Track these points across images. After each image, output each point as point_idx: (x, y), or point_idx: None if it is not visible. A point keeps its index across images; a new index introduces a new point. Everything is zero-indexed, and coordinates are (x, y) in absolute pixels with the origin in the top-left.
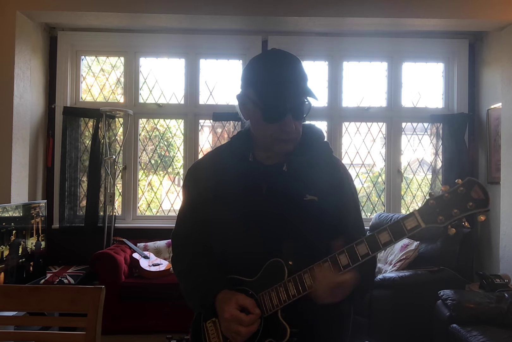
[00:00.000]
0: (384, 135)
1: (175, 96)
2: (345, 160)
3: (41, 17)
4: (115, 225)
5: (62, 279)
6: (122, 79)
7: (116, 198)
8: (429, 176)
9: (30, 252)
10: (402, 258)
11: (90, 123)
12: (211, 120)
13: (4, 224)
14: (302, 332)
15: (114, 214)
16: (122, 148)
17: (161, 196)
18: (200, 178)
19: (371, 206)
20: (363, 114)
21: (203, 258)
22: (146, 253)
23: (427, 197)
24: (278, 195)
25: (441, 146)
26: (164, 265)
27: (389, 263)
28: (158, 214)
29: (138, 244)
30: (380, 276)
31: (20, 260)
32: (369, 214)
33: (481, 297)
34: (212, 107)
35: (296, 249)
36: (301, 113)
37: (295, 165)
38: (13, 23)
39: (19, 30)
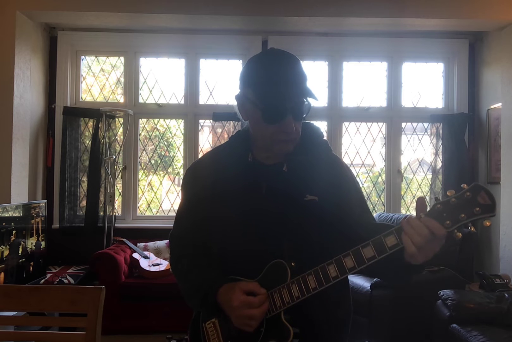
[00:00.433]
0: (384, 135)
1: (175, 96)
2: (345, 160)
3: (41, 17)
4: (115, 225)
5: (62, 279)
6: (122, 79)
7: (116, 198)
8: (429, 176)
9: (30, 252)
10: None
11: (90, 123)
12: (211, 120)
13: (4, 224)
14: (303, 332)
15: (114, 214)
16: (122, 148)
17: (161, 196)
18: (198, 177)
19: (371, 206)
20: (363, 114)
21: (202, 258)
22: (146, 253)
23: (434, 201)
24: (278, 195)
25: (441, 146)
26: (164, 265)
27: None
28: (158, 214)
29: (138, 244)
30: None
31: (20, 260)
32: None
33: (481, 297)
34: (212, 107)
35: (297, 249)
36: (301, 113)
37: (295, 165)
38: (13, 23)
39: (19, 30)
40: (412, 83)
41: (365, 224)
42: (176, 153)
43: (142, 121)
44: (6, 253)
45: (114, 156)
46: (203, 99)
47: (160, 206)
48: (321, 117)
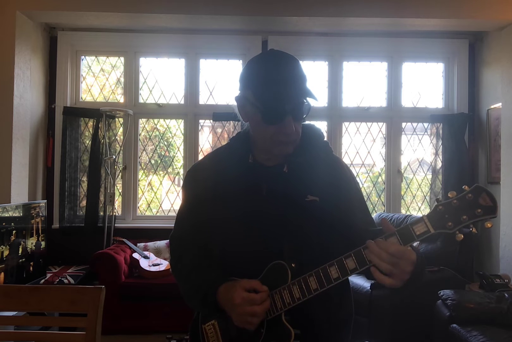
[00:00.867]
0: (384, 135)
1: (175, 96)
2: (345, 160)
3: (41, 17)
4: (115, 225)
5: (62, 279)
6: (122, 79)
7: (116, 198)
8: (429, 176)
9: (30, 252)
10: None
11: (90, 123)
12: (211, 120)
13: (4, 224)
14: (304, 333)
15: (114, 214)
16: (122, 148)
17: (161, 196)
18: (198, 179)
19: (371, 206)
20: (363, 114)
21: (202, 259)
22: (146, 253)
23: (435, 203)
24: (279, 196)
25: (441, 146)
26: (164, 265)
27: None
28: (158, 214)
29: (138, 244)
30: None
31: (20, 260)
32: None
33: (481, 297)
34: (212, 107)
35: (298, 250)
36: (301, 114)
37: (295, 166)
38: (13, 23)
39: (19, 30)
40: (412, 83)
41: (364, 225)
42: (176, 153)
43: (142, 121)
44: (6, 253)
45: (114, 156)
46: (203, 99)
47: (160, 206)
48: (321, 117)
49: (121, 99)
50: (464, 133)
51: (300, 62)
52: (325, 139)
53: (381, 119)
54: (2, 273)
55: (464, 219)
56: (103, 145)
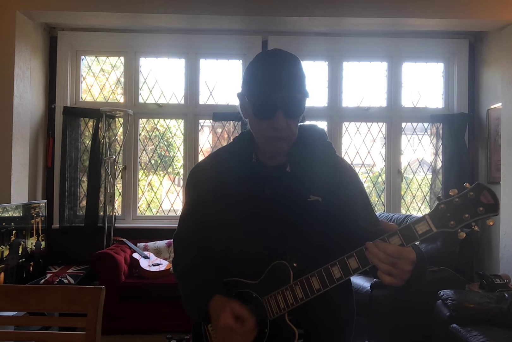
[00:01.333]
0: (384, 135)
1: (175, 96)
2: None
3: (41, 17)
4: (115, 225)
5: (62, 279)
6: (122, 79)
7: (116, 198)
8: (429, 176)
9: (30, 252)
10: None
11: (90, 123)
12: (211, 120)
13: (4, 224)
14: (306, 333)
15: (114, 214)
16: (122, 148)
17: (161, 196)
18: (201, 179)
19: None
20: (363, 114)
21: (203, 262)
22: (146, 253)
23: (437, 201)
24: (282, 196)
25: (441, 146)
26: (164, 265)
27: None
28: (158, 214)
29: (138, 244)
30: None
31: (20, 260)
32: None
33: (481, 297)
34: (212, 107)
35: (299, 250)
36: (294, 110)
37: (298, 166)
38: (13, 23)
39: (19, 30)
40: (412, 83)
41: (367, 225)
42: (176, 153)
43: (142, 121)
44: (6, 253)
45: (114, 156)
46: (203, 99)
47: (160, 206)
48: (321, 117)
49: (121, 99)
50: (464, 133)
51: (301, 61)
52: (328, 140)
53: (381, 119)
54: (2, 273)
55: (466, 217)
56: (103, 145)
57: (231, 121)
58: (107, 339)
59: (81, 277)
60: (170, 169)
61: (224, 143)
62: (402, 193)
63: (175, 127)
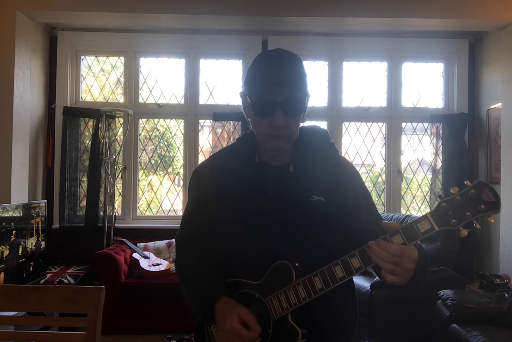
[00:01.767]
0: (384, 135)
1: (175, 96)
2: None
3: (41, 17)
4: (115, 225)
5: (62, 279)
6: (122, 79)
7: (116, 198)
8: (429, 176)
9: (30, 252)
10: None
11: (90, 123)
12: (211, 120)
13: (4, 224)
14: (309, 333)
15: (114, 214)
16: (122, 148)
17: (161, 196)
18: (202, 180)
19: None
20: (363, 114)
21: (205, 263)
22: (146, 253)
23: (438, 199)
24: (284, 196)
25: (441, 146)
26: (164, 265)
27: None
28: (158, 214)
29: (138, 244)
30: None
31: (20, 260)
32: None
33: (481, 297)
34: (212, 107)
35: (302, 250)
36: (293, 109)
37: (301, 166)
38: (13, 23)
39: (19, 30)
40: (412, 83)
41: (370, 225)
42: (176, 153)
43: (142, 121)
44: (6, 253)
45: (114, 156)
46: (203, 99)
47: (160, 206)
48: (321, 117)
49: (121, 99)
50: (464, 133)
51: (302, 61)
52: (331, 140)
53: (381, 119)
54: (2, 273)
55: (468, 215)
56: (103, 145)
57: (231, 121)
58: (107, 339)
59: (81, 277)
60: (170, 169)
61: (224, 143)
62: (402, 193)
63: (175, 127)
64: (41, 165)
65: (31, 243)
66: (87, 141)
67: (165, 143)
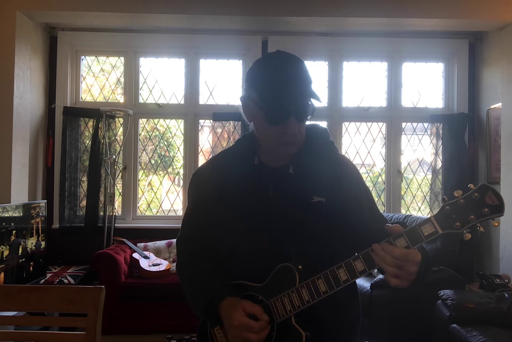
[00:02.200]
0: (384, 135)
1: (175, 96)
2: None
3: (41, 17)
4: (115, 225)
5: (62, 279)
6: (122, 79)
7: (116, 198)
8: (429, 176)
9: (30, 252)
10: None
11: (90, 123)
12: (211, 120)
13: (4, 224)
14: (312, 335)
15: (114, 214)
16: (122, 148)
17: (161, 196)
18: (203, 181)
19: None
20: (363, 114)
21: (207, 264)
22: (146, 253)
23: (442, 202)
24: (285, 197)
25: (441, 146)
26: (164, 265)
27: None
28: (158, 214)
29: (138, 244)
30: (380, 276)
31: (20, 260)
32: None
33: (481, 297)
34: (212, 107)
35: (305, 251)
36: (305, 115)
37: (301, 167)
38: (13, 23)
39: (19, 30)
40: (412, 83)
41: (374, 225)
42: (176, 153)
43: (142, 121)
44: (6, 253)
45: (114, 156)
46: (203, 99)
47: (160, 206)
48: (321, 117)
49: (121, 99)
50: (464, 133)
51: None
52: (330, 139)
53: (381, 119)
54: (2, 273)
55: (471, 218)
56: (103, 145)
57: (231, 121)
58: (107, 339)
59: (81, 277)
60: (170, 170)
61: (224, 143)
62: (402, 193)
63: (175, 127)
64: (41, 165)
65: (31, 243)
66: (87, 141)
67: (165, 143)
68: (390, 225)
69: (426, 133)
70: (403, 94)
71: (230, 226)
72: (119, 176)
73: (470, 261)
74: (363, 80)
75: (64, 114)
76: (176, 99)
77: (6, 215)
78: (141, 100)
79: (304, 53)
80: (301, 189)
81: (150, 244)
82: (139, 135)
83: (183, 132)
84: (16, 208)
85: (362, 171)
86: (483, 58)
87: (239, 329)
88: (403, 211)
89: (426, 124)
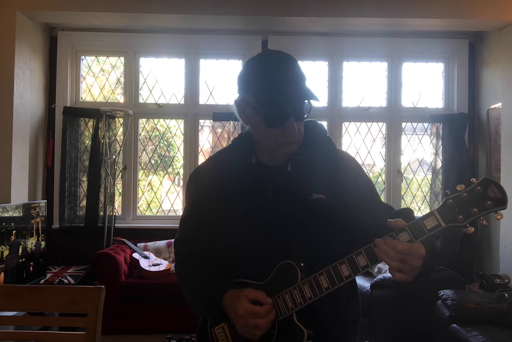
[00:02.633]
0: (384, 135)
1: (175, 96)
2: None
3: (41, 17)
4: (115, 225)
5: (62, 279)
6: (122, 79)
7: (116, 198)
8: (429, 176)
9: (30, 252)
10: None
11: (90, 123)
12: (211, 120)
13: (4, 224)
14: (315, 331)
15: (114, 214)
16: (122, 148)
17: (161, 196)
18: (201, 180)
19: None
20: (363, 114)
21: (207, 263)
22: (146, 253)
23: (445, 196)
24: (284, 195)
25: (441, 146)
26: (164, 265)
27: None
28: (158, 214)
29: (138, 244)
30: (380, 276)
31: (20, 260)
32: None
33: (481, 297)
34: (212, 107)
35: (306, 248)
36: (302, 114)
37: (299, 165)
38: (13, 23)
39: (19, 30)
40: (412, 83)
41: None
42: (176, 153)
43: (142, 121)
44: (6, 253)
45: (114, 156)
46: (203, 99)
47: (160, 206)
48: (321, 117)
49: (121, 99)
50: (464, 133)
51: (300, 62)
52: (328, 135)
53: (381, 119)
54: (2, 273)
55: (474, 211)
56: (103, 145)
57: (231, 121)
58: (107, 339)
59: (81, 277)
60: (170, 170)
61: (224, 143)
62: (402, 193)
63: (175, 127)
64: (41, 165)
65: (31, 243)
66: (87, 141)
67: (165, 143)
68: (391, 220)
69: (426, 133)
70: (403, 94)
71: (230, 224)
72: (119, 176)
73: (470, 261)
74: (363, 80)
75: (64, 114)
76: (176, 99)
77: (6, 215)
78: (141, 100)
79: (304, 53)
80: (300, 186)
81: (150, 244)
82: (139, 135)
83: (183, 132)
84: (16, 208)
85: None
86: (483, 58)
87: (246, 317)
88: None
89: (426, 124)
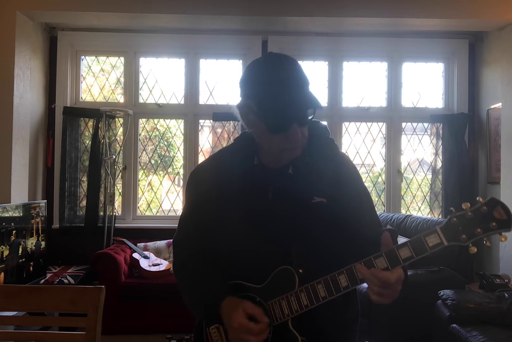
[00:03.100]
0: (384, 135)
1: (175, 96)
2: None
3: (41, 17)
4: (115, 225)
5: (62, 279)
6: (122, 79)
7: (116, 198)
8: (429, 176)
9: (30, 252)
10: None
11: (90, 123)
12: (211, 120)
13: (4, 224)
14: (311, 335)
15: (114, 214)
16: (122, 148)
17: (161, 196)
18: (201, 179)
19: None
20: (363, 114)
21: (205, 264)
22: (146, 253)
23: (450, 214)
24: (285, 198)
25: (441, 146)
26: (164, 265)
27: None
28: (158, 214)
29: (138, 244)
30: None
31: (20, 260)
32: None
33: (481, 297)
34: (212, 107)
35: (305, 252)
36: (306, 119)
37: (300, 167)
38: (13, 23)
39: (19, 30)
40: (412, 83)
41: (373, 226)
42: (176, 153)
43: (142, 121)
44: (6, 253)
45: (114, 156)
46: (203, 99)
47: (160, 206)
48: (321, 117)
49: (121, 99)
50: (464, 133)
51: (300, 62)
52: (330, 136)
53: (381, 119)
54: (2, 273)
55: (478, 232)
56: (103, 145)
57: (231, 121)
58: (107, 339)
59: (81, 277)
60: (170, 170)
61: (224, 143)
62: (402, 193)
63: (175, 127)
64: (41, 165)
65: (31, 243)
66: (87, 141)
67: (165, 143)
68: (386, 235)
69: (426, 133)
70: (403, 94)
71: (229, 226)
72: (119, 176)
73: (470, 261)
74: (363, 80)
75: (64, 114)
76: (176, 99)
77: (6, 215)
78: (141, 100)
79: (304, 53)
80: (301, 189)
81: (150, 244)
82: (139, 135)
83: (183, 132)
84: (16, 208)
85: (362, 170)
86: (483, 58)
87: (238, 331)
88: (403, 211)
89: (426, 124)
